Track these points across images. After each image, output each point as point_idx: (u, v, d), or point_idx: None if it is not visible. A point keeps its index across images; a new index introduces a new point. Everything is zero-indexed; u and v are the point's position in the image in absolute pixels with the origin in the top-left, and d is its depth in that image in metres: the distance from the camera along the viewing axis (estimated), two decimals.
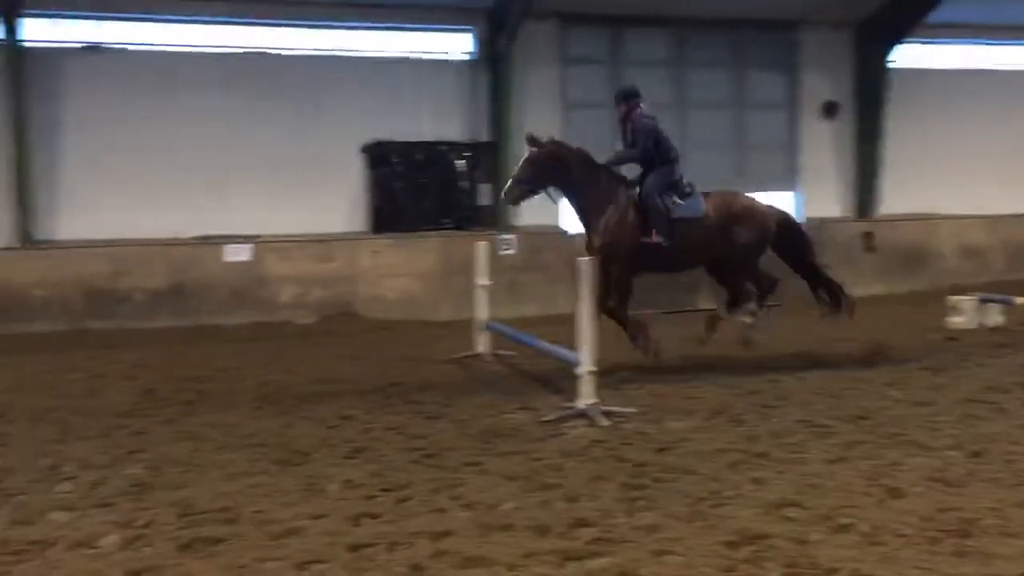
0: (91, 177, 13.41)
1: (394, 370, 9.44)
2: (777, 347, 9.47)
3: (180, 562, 4.44)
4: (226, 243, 13.22)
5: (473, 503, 5.17)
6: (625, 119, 9.02)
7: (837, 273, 9.97)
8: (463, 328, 10.62)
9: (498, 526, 4.79)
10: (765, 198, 9.98)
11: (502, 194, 9.17)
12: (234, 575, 4.28)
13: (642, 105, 9.02)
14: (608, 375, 7.89)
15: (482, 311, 10.05)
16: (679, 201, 8.84)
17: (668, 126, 9.43)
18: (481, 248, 10.10)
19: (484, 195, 15.22)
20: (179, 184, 13.72)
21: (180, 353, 10.80)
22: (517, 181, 8.84)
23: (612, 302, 8.70)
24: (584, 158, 8.95)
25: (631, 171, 9.14)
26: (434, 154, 15.17)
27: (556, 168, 8.81)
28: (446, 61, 15.28)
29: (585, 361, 7.09)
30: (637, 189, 8.89)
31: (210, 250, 13.15)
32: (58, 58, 13.33)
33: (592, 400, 7.06)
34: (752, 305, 9.11)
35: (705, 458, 5.97)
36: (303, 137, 14.38)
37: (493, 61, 14.95)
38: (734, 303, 9.18)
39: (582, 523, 4.80)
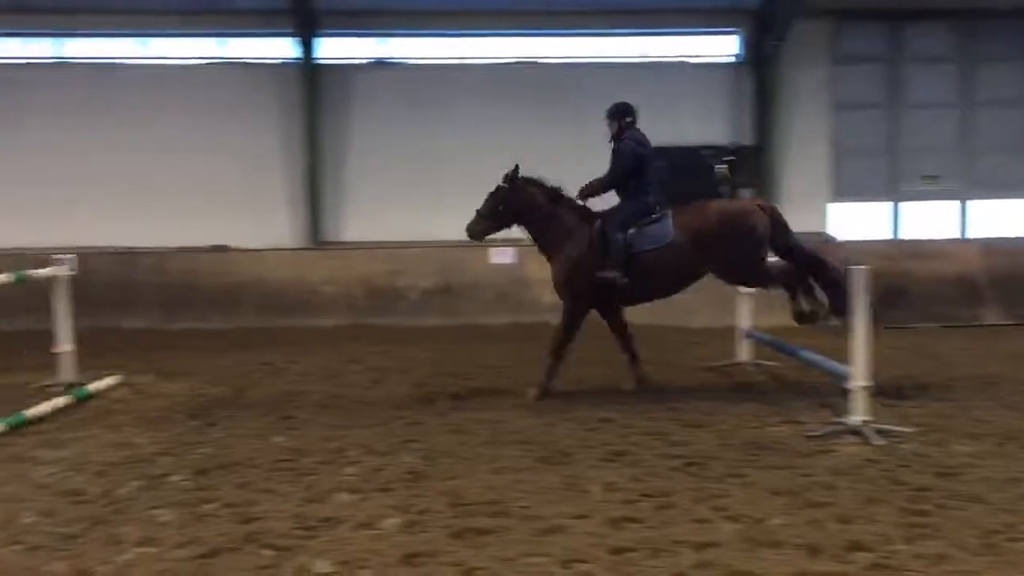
0: (374, 183, 14.43)
1: (652, 375, 9.40)
2: None
3: (453, 549, 4.67)
4: (491, 246, 13.78)
5: (738, 516, 5.05)
6: (615, 139, 8.47)
7: None
8: (721, 336, 10.39)
9: (766, 542, 4.64)
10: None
11: (465, 227, 8.85)
12: (503, 567, 4.45)
13: (635, 126, 8.45)
14: (884, 391, 7.45)
15: (744, 319, 9.80)
16: (643, 231, 8.19)
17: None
18: None
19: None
20: (451, 189, 14.46)
21: (448, 350, 11.35)
22: (480, 216, 8.73)
23: (555, 335, 8.50)
24: (551, 196, 8.57)
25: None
26: (695, 158, 14.98)
27: (517, 208, 8.59)
28: (710, 64, 15.07)
29: (859, 375, 6.72)
30: (599, 223, 8.35)
31: (477, 253, 13.75)
32: (347, 74, 14.46)
33: (865, 417, 6.68)
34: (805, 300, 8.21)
35: (996, 486, 5.48)
36: (566, 142, 14.68)
37: (759, 63, 14.57)
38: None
39: (857, 547, 4.55)
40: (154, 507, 5.41)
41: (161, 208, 13.80)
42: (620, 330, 8.80)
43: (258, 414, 7.87)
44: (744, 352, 9.74)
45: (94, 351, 10.11)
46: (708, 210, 8.24)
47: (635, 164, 8.26)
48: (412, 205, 14.31)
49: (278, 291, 13.62)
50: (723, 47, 14.99)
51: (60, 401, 8.24)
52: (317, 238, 14.23)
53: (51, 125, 13.71)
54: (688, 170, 14.88)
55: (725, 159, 14.94)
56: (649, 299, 8.71)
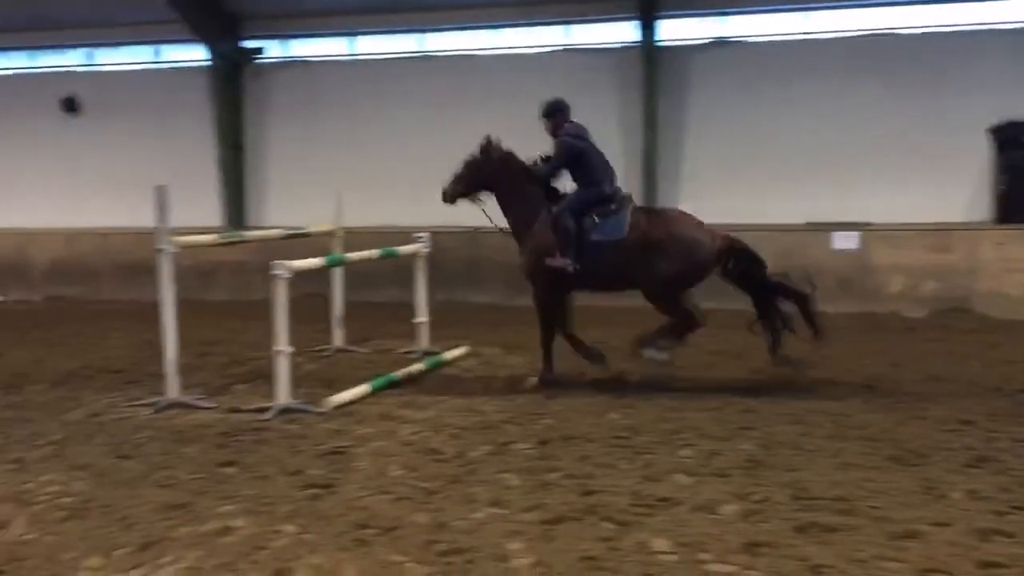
0: (709, 165, 14.22)
1: (1022, 375, 8.47)
2: None
3: (796, 543, 4.50)
4: (835, 230, 13.08)
5: None
6: (554, 135, 8.45)
7: None
8: None
9: None
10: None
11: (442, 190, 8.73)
12: (854, 568, 4.21)
13: (569, 121, 8.42)
14: None
15: None
16: (598, 220, 8.08)
17: None
18: None
19: None
20: (790, 171, 13.89)
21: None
22: (456, 179, 8.69)
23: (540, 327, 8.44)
24: (522, 172, 8.51)
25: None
26: None
27: (490, 177, 8.59)
28: None
29: None
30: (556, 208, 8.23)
31: (818, 237, 13.11)
32: (685, 54, 14.33)
33: None
34: (664, 341, 8.07)
35: None
36: (921, 119, 13.54)
37: None
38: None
39: None
40: (502, 471, 5.75)
41: None
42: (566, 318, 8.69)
43: (594, 390, 8.08)
44: None
45: (447, 323, 10.93)
46: (669, 222, 8.19)
47: (572, 157, 8.30)
48: (748, 187, 13.92)
49: None
50: None
51: (419, 367, 9.01)
52: None
53: (412, 114, 14.94)
54: None
55: None
56: (600, 290, 8.57)
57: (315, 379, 8.58)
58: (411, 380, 8.56)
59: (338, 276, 10.17)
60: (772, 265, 12.95)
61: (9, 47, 16.54)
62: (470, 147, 14.28)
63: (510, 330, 11.50)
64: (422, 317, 10.00)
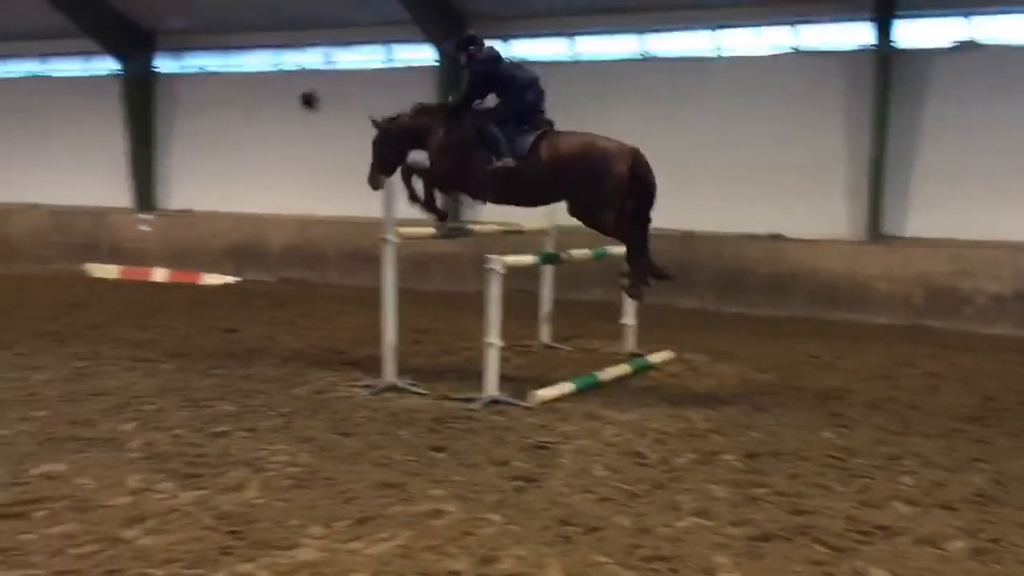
0: (943, 176, 13.32)
1: None
2: None
3: None
4: None
5: None
6: (466, 67, 8.64)
7: None
8: None
9: None
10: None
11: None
12: None
13: (484, 50, 8.55)
14: None
15: None
16: (511, 138, 8.15)
17: None
18: None
19: None
20: None
21: (1021, 364, 10.11)
22: (372, 168, 8.93)
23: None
24: (440, 110, 8.86)
25: None
26: None
27: (400, 138, 8.82)
28: None
29: None
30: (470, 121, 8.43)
31: None
32: (924, 58, 13.48)
33: None
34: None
35: None
36: None
37: None
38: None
39: None
40: (708, 481, 5.64)
41: (720, 193, 14.25)
42: None
43: (806, 406, 7.78)
44: None
45: (653, 325, 10.83)
46: (575, 138, 8.12)
47: (483, 81, 8.42)
48: (985, 201, 12.94)
49: (830, 283, 13.31)
50: None
51: (624, 368, 8.99)
52: (875, 231, 13.57)
53: (630, 115, 14.86)
54: None
55: None
56: (503, 203, 8.55)
57: (521, 373, 8.74)
58: (615, 381, 8.54)
59: (548, 273, 10.30)
60: (1012, 286, 12.10)
61: (256, 46, 17.87)
62: (690, 150, 14.22)
63: (718, 336, 11.27)
64: (629, 319, 9.97)
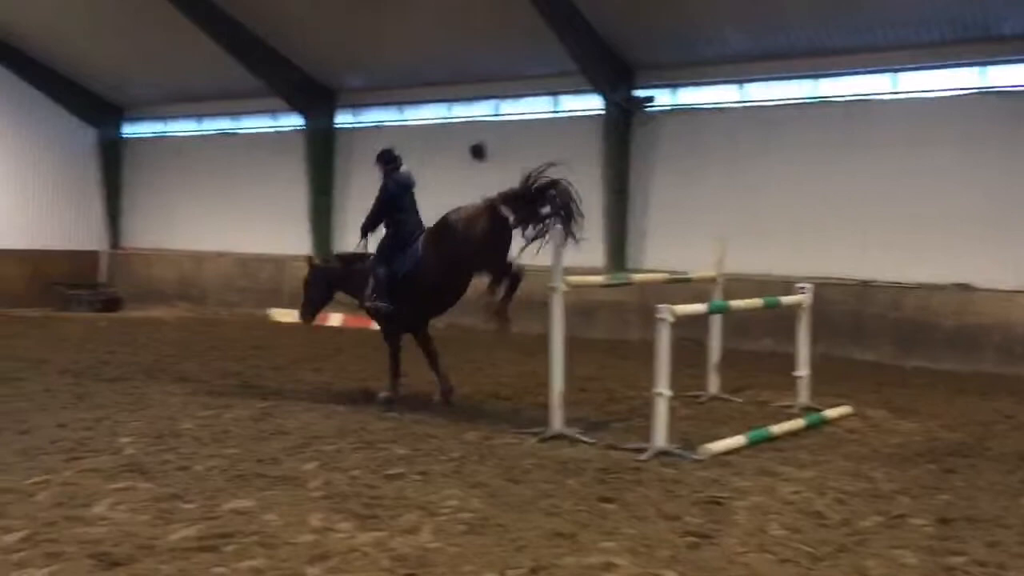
0: None
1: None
2: None
3: None
4: None
5: None
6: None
7: None
8: None
9: None
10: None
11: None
12: None
13: (399, 169, 9.55)
14: None
15: None
16: (403, 255, 9.28)
17: None
18: None
19: None
20: None
21: None
22: (302, 304, 10.31)
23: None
24: (344, 261, 10.31)
25: None
26: None
27: (327, 281, 10.21)
28: None
29: None
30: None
31: None
32: None
33: None
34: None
35: None
36: None
37: None
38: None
39: None
40: (896, 546, 5.32)
41: (898, 242, 13.61)
42: (425, 348, 9.75)
43: (1002, 468, 7.26)
44: None
45: (826, 379, 10.42)
46: (441, 221, 9.13)
47: (387, 201, 9.48)
48: None
49: None
50: None
51: (798, 423, 8.65)
52: None
53: (800, 161, 14.49)
54: None
55: None
56: (425, 316, 9.73)
57: (690, 424, 8.57)
58: (790, 436, 8.23)
59: (717, 323, 10.10)
60: None
61: (430, 100, 18.56)
62: (865, 196, 13.68)
63: (898, 391, 10.73)
64: (803, 371, 9.60)
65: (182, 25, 17.61)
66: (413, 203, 9.61)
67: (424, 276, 9.13)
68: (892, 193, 13.69)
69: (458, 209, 9.07)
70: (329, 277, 10.25)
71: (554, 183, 8.68)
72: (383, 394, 9.52)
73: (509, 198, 8.76)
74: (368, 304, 9.48)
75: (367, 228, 9.63)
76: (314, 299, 10.26)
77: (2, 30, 20.29)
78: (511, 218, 8.70)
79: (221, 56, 18.20)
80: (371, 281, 9.40)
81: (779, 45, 14.49)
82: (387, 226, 9.54)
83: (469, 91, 17.92)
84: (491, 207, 8.78)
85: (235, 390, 9.94)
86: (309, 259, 10.65)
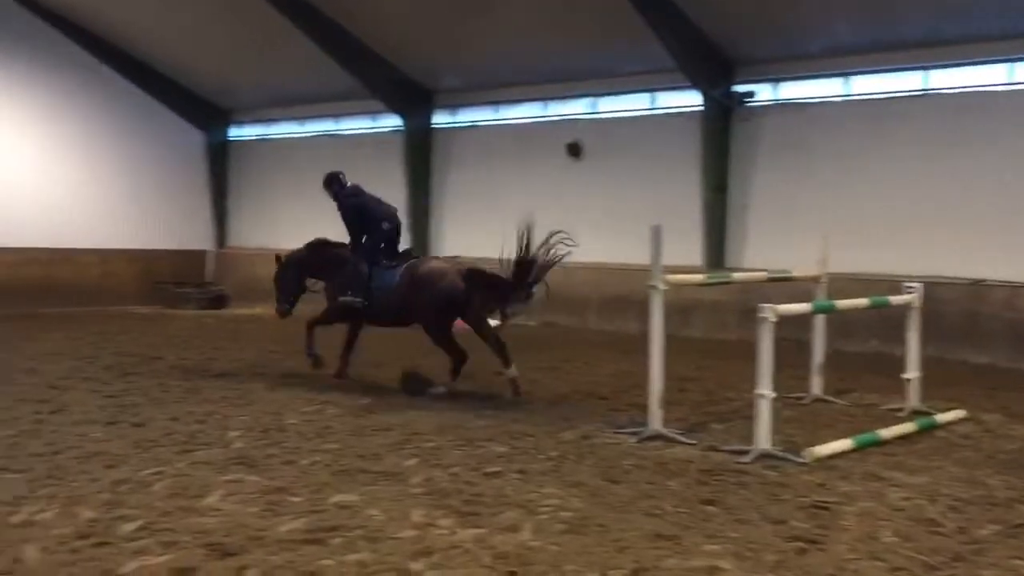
0: None
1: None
2: None
3: None
4: None
5: None
6: (335, 201, 10.59)
7: None
8: None
9: None
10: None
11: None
12: None
13: (346, 186, 10.66)
14: None
15: None
16: (383, 272, 10.12)
17: None
18: None
19: None
20: None
21: None
22: (277, 300, 10.80)
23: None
24: (328, 246, 10.76)
25: None
26: None
27: (299, 270, 10.74)
28: None
29: None
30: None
31: None
32: None
33: None
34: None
35: None
36: None
37: None
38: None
39: None
40: (1017, 557, 5.08)
41: (1013, 240, 13.01)
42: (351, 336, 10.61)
43: None
44: None
45: (938, 381, 10.04)
46: (424, 265, 10.06)
47: (353, 211, 10.40)
48: None
49: None
50: None
51: (907, 427, 8.37)
52: None
53: (908, 156, 13.99)
54: None
55: None
56: (387, 325, 10.56)
57: (793, 427, 8.37)
58: (899, 440, 7.96)
59: (820, 323, 9.83)
60: None
61: (526, 99, 18.59)
62: (977, 191, 13.13)
63: (1014, 395, 10.26)
64: (912, 373, 9.27)
65: (283, 28, 18.05)
66: (378, 203, 10.51)
67: (391, 302, 9.98)
68: (1008, 189, 13.11)
69: (429, 262, 10.27)
70: (299, 264, 10.75)
71: (531, 262, 9.56)
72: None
73: (474, 275, 9.65)
74: (344, 298, 10.20)
75: (368, 252, 10.26)
76: (285, 289, 10.72)
77: (111, 34, 21.03)
78: (462, 287, 9.60)
79: (322, 59, 18.59)
80: (350, 274, 10.17)
81: (887, 35, 14.02)
82: (368, 233, 10.33)
83: (565, 89, 17.88)
84: (456, 272, 9.72)
85: (336, 386, 10.15)
86: (277, 257, 10.97)
